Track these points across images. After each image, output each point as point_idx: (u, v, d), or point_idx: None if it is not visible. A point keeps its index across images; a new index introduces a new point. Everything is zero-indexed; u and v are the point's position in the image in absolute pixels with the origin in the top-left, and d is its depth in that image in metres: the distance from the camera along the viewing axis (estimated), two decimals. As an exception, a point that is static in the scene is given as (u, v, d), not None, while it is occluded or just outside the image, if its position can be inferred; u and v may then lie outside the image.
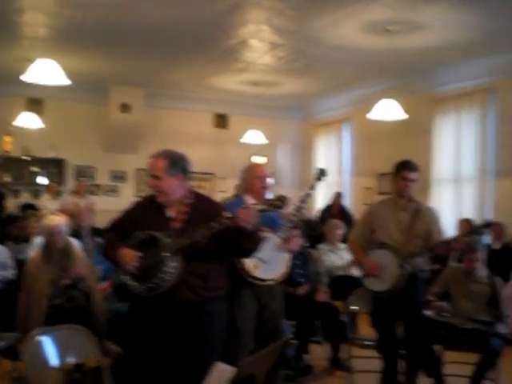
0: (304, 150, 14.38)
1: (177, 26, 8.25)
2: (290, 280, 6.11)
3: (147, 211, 3.58)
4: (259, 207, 3.27)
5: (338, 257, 7.39)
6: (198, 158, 13.07)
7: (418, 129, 10.39)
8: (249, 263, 4.27)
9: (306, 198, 4.70)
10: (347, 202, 12.36)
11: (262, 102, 13.37)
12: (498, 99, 9.16)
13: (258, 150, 13.48)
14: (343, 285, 6.53)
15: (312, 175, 4.97)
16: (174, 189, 3.50)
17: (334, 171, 12.97)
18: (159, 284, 3.30)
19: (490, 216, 9.02)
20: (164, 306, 3.37)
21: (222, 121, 14.04)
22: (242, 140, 12.15)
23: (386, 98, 8.37)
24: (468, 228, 8.32)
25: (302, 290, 6.11)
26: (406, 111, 8.58)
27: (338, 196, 11.76)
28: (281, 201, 3.29)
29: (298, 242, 4.61)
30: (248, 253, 3.74)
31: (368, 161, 11.69)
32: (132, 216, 3.65)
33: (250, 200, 4.53)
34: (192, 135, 13.33)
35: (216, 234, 3.28)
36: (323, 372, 6.11)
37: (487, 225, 4.68)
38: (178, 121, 13.28)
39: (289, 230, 4.51)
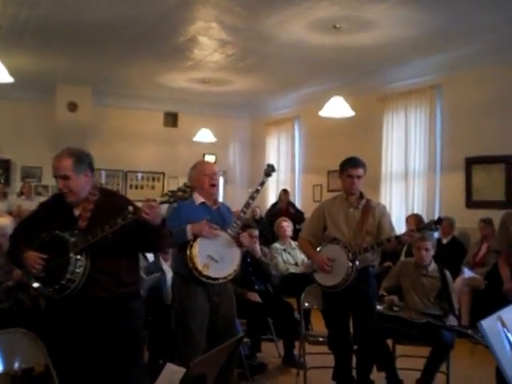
0: (255, 148, 14.40)
1: (124, 22, 8.14)
2: (242, 281, 6.16)
3: (54, 212, 3.48)
4: (160, 199, 3.20)
5: (291, 255, 7.44)
6: (148, 157, 13.24)
7: (367, 126, 10.50)
8: (201, 262, 4.23)
9: (256, 195, 4.69)
10: (298, 200, 12.43)
11: (212, 100, 13.32)
12: (444, 96, 9.32)
13: (209, 148, 13.42)
14: (296, 282, 6.56)
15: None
16: (83, 186, 3.41)
17: (286, 169, 13.04)
18: (67, 285, 3.23)
19: (437, 211, 9.20)
20: (77, 305, 3.30)
21: (172, 119, 13.93)
22: (193, 139, 12.07)
23: (336, 95, 8.42)
24: (417, 223, 8.43)
25: (254, 297, 6.08)
26: (355, 109, 8.65)
27: (285, 193, 11.80)
28: (184, 191, 3.19)
29: (248, 239, 4.56)
30: (156, 247, 3.69)
31: (318, 158, 11.76)
32: (39, 218, 3.56)
33: (198, 198, 4.49)
34: (142, 134, 13.23)
35: (123, 230, 3.22)
36: (277, 369, 6.11)
37: (439, 221, 4.71)
38: (128, 120, 13.11)
39: (238, 228, 4.49)
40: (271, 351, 6.51)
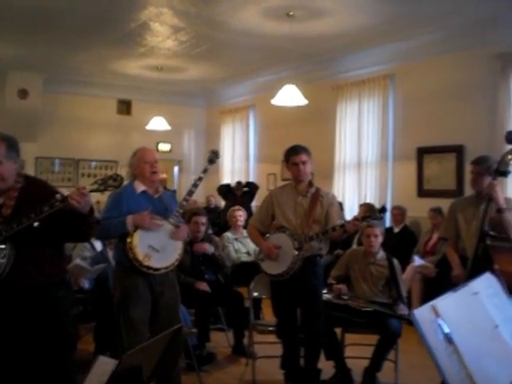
0: (210, 137, 14.27)
1: (74, 6, 7.91)
2: (192, 268, 6.10)
3: None
4: (90, 187, 3.10)
5: (242, 244, 7.40)
6: (101, 145, 13.02)
7: (321, 115, 10.50)
8: (141, 253, 4.15)
9: (198, 182, 4.63)
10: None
11: (166, 88, 13.14)
12: (397, 85, 9.35)
13: (164, 136, 13.26)
14: (248, 271, 6.50)
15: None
16: (13, 173, 3.28)
17: (240, 158, 12.98)
18: None
19: (389, 200, 9.25)
20: (3, 295, 3.18)
21: (125, 107, 13.67)
22: (147, 127, 11.91)
23: (289, 84, 8.37)
24: (368, 212, 8.48)
25: (203, 286, 6.01)
26: (309, 98, 8.61)
27: (239, 185, 11.77)
28: (115, 180, 3.10)
29: (184, 232, 4.45)
30: (84, 236, 3.59)
31: (272, 147, 11.70)
32: None
33: (139, 186, 4.39)
34: (94, 122, 12.96)
35: (50, 218, 3.11)
36: (226, 359, 6.07)
37: (383, 210, 4.70)
38: (80, 107, 12.79)
39: (180, 216, 4.41)
40: (221, 341, 6.47)
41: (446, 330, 1.95)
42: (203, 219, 6.24)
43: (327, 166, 10.17)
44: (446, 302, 2.05)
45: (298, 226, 4.76)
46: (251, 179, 12.52)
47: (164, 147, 13.80)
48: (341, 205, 9.37)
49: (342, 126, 10.13)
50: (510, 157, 4.21)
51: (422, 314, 1.95)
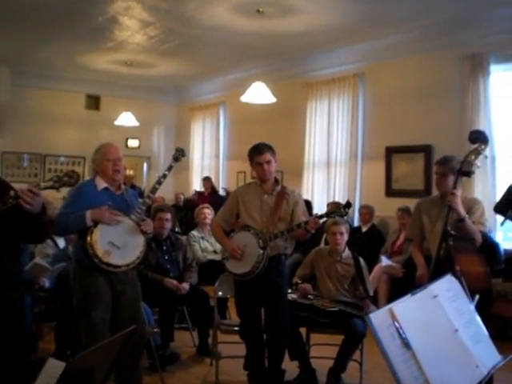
0: (180, 134, 14.17)
1: (40, -1, 7.80)
2: (157, 265, 6.01)
3: None
4: (45, 185, 3.00)
5: (209, 243, 7.33)
6: (69, 140, 12.83)
7: (291, 113, 10.46)
8: (101, 249, 4.05)
9: (162, 179, 4.55)
10: (222, 186, 12.30)
11: (135, 84, 13.01)
12: (366, 85, 9.34)
13: (133, 132, 13.14)
14: (214, 270, 6.42)
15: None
16: None
17: (210, 155, 12.90)
18: None
19: (358, 199, 9.25)
20: None
21: (94, 102, 13.49)
22: (115, 122, 11.76)
23: (259, 81, 8.31)
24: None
25: (169, 283, 5.91)
26: (280, 95, 8.57)
27: (207, 180, 11.68)
28: (70, 177, 3.01)
29: (150, 226, 4.38)
30: (38, 237, 3.48)
31: (242, 145, 11.54)
32: None
33: (101, 183, 4.29)
34: (62, 117, 12.79)
35: (1, 216, 3.00)
36: (190, 359, 5.99)
37: (347, 205, 4.66)
38: (48, 101, 12.60)
39: (142, 213, 4.32)
40: (186, 340, 6.39)
41: (404, 335, 1.90)
42: (168, 215, 6.15)
43: (297, 164, 10.15)
44: (403, 306, 2.00)
45: (263, 225, 4.70)
46: (221, 177, 12.45)
47: (133, 143, 13.67)
48: (310, 203, 9.36)
49: (311, 124, 10.09)
50: (473, 157, 4.19)
51: (378, 318, 1.89)
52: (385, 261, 7.58)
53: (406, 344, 1.88)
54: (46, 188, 3.00)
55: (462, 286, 2.34)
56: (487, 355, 2.17)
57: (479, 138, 4.32)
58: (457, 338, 2.07)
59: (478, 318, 2.30)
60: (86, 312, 4.11)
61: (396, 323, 1.90)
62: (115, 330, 4.11)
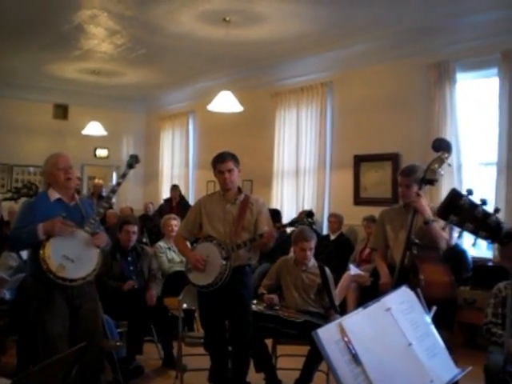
0: (149, 143, 14.07)
1: (4, 6, 7.64)
2: (121, 276, 5.91)
3: None
4: (4, 196, 2.95)
5: (176, 254, 7.23)
6: (36, 150, 12.63)
7: (260, 122, 10.45)
8: (55, 264, 3.94)
9: (117, 188, 4.50)
10: (191, 196, 12.23)
11: (104, 93, 12.90)
12: (335, 93, 9.35)
13: (101, 142, 13.02)
14: (180, 281, 6.34)
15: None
16: None
17: (180, 164, 12.82)
18: None
19: (327, 208, 9.24)
20: None
21: (62, 112, 13.31)
22: (82, 132, 11.62)
23: (226, 90, 8.26)
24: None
25: (128, 285, 5.83)
26: (248, 105, 8.55)
27: (175, 189, 11.59)
28: (29, 189, 2.95)
29: (102, 240, 4.26)
30: None
31: (211, 154, 11.46)
32: None
33: (54, 194, 4.19)
34: (30, 126, 12.62)
35: None
36: (156, 372, 5.90)
37: (310, 214, 4.62)
38: (15, 111, 12.39)
39: (96, 223, 4.22)
40: (153, 353, 6.28)
41: (354, 351, 1.84)
42: (134, 228, 6.07)
43: (266, 173, 10.12)
44: (354, 320, 1.94)
45: (226, 235, 4.62)
46: (190, 186, 12.37)
47: (102, 153, 13.56)
48: (279, 212, 9.32)
49: (280, 133, 10.08)
50: (436, 165, 4.18)
51: (326, 333, 1.84)
52: (353, 269, 7.55)
53: (356, 360, 1.83)
54: (5, 199, 2.92)
55: (419, 298, 2.28)
56: (443, 369, 2.12)
57: (442, 146, 4.32)
58: (410, 352, 2.01)
59: (435, 331, 2.25)
60: (43, 326, 4.01)
61: (345, 338, 1.85)
62: (74, 344, 4.01)
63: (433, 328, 2.26)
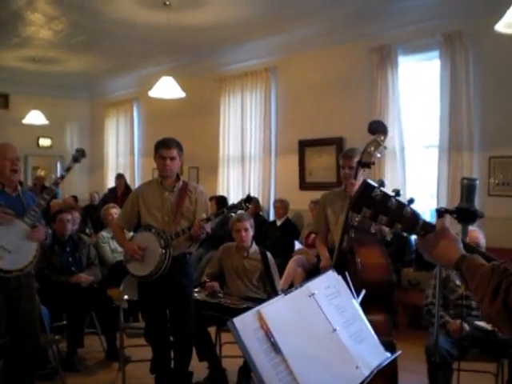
0: (94, 131, 13.83)
1: None
2: (61, 268, 5.78)
3: None
4: None
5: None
6: (-25, 140, 12.22)
7: (204, 108, 10.35)
8: None
9: (60, 180, 4.41)
10: (138, 184, 12.04)
11: (45, 81, 12.57)
12: (279, 78, 9.30)
13: (44, 131, 12.74)
14: (123, 271, 6.23)
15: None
16: None
17: (125, 152, 12.63)
18: None
19: (273, 193, 9.23)
20: None
21: (2, 101, 12.98)
22: (23, 121, 11.33)
23: (168, 76, 8.13)
24: (253, 206, 8.37)
25: (76, 279, 5.72)
26: (192, 90, 8.44)
27: (120, 178, 11.43)
28: None
29: (39, 234, 4.17)
30: None
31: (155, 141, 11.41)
32: None
33: None
34: (-31, 116, 12.23)
35: None
36: (98, 364, 5.79)
37: (248, 199, 4.57)
38: (-47, 100, 12.05)
39: (37, 215, 4.11)
40: (96, 345, 6.17)
41: (273, 339, 1.79)
42: (68, 216, 5.93)
43: (212, 159, 10.05)
44: (274, 307, 1.89)
45: (165, 224, 4.54)
46: (136, 175, 12.20)
47: (45, 142, 13.27)
48: (225, 199, 9.25)
49: (225, 119, 10.00)
50: (372, 148, 4.15)
51: (243, 321, 1.78)
52: (297, 245, 7.60)
53: (276, 348, 1.78)
54: None
55: (346, 282, 2.25)
56: (370, 354, 2.09)
57: (378, 129, 4.28)
58: (334, 338, 1.97)
59: (363, 315, 2.21)
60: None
61: (264, 326, 1.79)
62: (12, 338, 3.93)
63: (361, 312, 2.22)
